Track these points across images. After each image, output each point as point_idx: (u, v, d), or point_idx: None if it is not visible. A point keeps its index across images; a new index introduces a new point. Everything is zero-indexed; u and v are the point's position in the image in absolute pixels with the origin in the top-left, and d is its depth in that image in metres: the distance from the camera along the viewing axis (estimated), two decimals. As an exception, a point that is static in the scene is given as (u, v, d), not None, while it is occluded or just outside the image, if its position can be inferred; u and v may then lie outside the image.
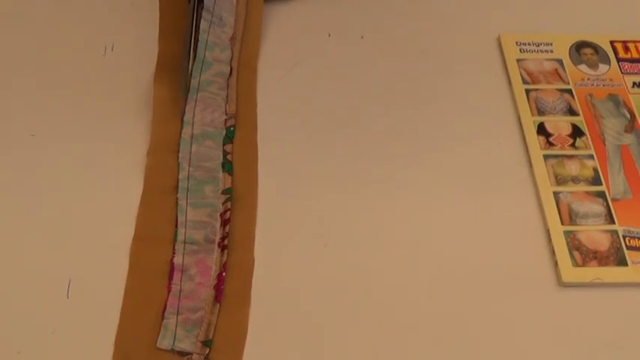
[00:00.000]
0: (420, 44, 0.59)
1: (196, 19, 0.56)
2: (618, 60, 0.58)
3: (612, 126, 0.55)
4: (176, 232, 0.48)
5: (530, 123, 0.54)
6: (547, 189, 0.51)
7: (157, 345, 0.43)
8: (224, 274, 0.46)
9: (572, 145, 0.53)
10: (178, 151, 0.51)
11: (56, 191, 0.50)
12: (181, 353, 0.43)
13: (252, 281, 0.46)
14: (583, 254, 0.48)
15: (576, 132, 0.54)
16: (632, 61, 0.58)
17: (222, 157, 0.51)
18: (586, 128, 0.54)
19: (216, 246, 0.47)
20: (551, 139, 0.54)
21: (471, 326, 0.45)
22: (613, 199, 0.51)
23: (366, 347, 0.44)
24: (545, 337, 0.45)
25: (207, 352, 0.43)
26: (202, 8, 0.56)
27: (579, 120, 0.55)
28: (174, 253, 0.47)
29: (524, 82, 0.57)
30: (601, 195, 0.51)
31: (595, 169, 0.52)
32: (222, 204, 0.49)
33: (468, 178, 0.52)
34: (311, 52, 0.59)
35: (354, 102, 0.56)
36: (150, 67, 0.56)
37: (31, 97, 0.55)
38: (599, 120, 0.55)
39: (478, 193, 0.51)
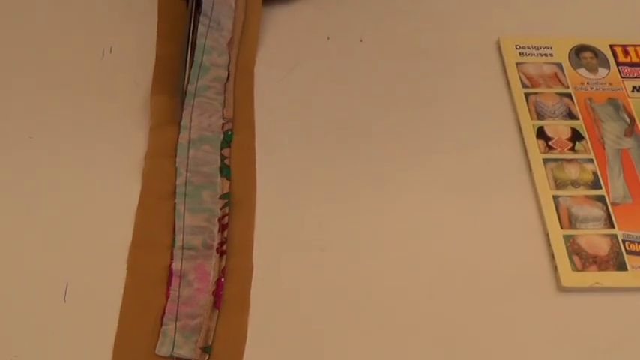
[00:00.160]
0: (419, 47, 0.59)
1: (193, 24, 0.55)
2: (618, 64, 0.58)
3: (612, 130, 0.55)
4: (174, 237, 0.47)
5: (529, 127, 0.54)
6: (546, 193, 0.51)
7: (156, 352, 0.43)
8: (223, 279, 0.46)
9: (572, 149, 0.53)
10: (176, 156, 0.51)
11: (53, 195, 0.49)
12: (180, 360, 0.43)
13: (251, 287, 0.46)
14: (582, 258, 0.48)
15: (576, 136, 0.54)
16: (632, 65, 0.58)
17: (219, 161, 0.51)
18: (585, 132, 0.54)
19: (214, 251, 0.47)
20: (550, 143, 0.54)
21: (471, 331, 0.45)
22: (612, 204, 0.50)
23: (365, 352, 0.44)
24: (544, 342, 0.45)
25: (206, 358, 0.43)
26: (200, 13, 0.56)
27: (579, 124, 0.55)
28: (172, 259, 0.46)
29: (524, 85, 0.57)
30: (600, 199, 0.51)
31: (594, 174, 0.52)
32: (220, 209, 0.49)
33: (467, 181, 0.52)
34: (310, 55, 0.58)
35: (352, 106, 0.56)
36: (148, 70, 0.56)
37: (29, 99, 0.55)
38: (599, 124, 0.55)
39: (477, 197, 0.51)
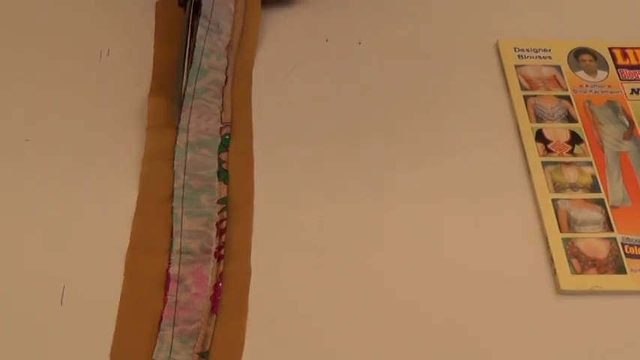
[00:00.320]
0: (417, 50, 0.59)
1: (191, 27, 0.55)
2: (617, 67, 0.58)
3: (611, 133, 0.54)
4: (171, 241, 0.47)
5: (528, 129, 0.54)
6: (545, 196, 0.51)
7: (153, 357, 0.43)
8: (220, 284, 0.46)
9: (571, 152, 0.53)
10: (173, 159, 0.50)
11: (51, 198, 0.49)
12: (177, 365, 0.43)
13: (249, 291, 0.46)
14: (582, 262, 0.48)
15: (575, 139, 0.54)
16: (631, 67, 0.58)
17: (217, 165, 0.51)
18: (584, 135, 0.54)
19: (212, 256, 0.47)
20: (549, 146, 0.53)
21: (471, 334, 0.45)
22: (612, 207, 0.50)
23: (365, 355, 0.44)
24: (544, 345, 0.45)
25: (203, 363, 0.43)
26: (200, 15, 0.56)
27: (578, 127, 0.55)
28: (169, 263, 0.46)
29: (523, 88, 0.57)
30: (600, 202, 0.51)
31: (594, 177, 0.52)
32: (219, 213, 0.48)
33: (466, 184, 0.52)
34: (308, 57, 0.58)
35: (350, 108, 0.56)
36: (146, 72, 0.56)
37: (26, 102, 0.54)
38: (598, 127, 0.55)
39: (476, 200, 0.51)
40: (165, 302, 0.45)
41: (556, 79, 0.57)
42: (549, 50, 0.59)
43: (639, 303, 0.47)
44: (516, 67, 0.58)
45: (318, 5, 0.62)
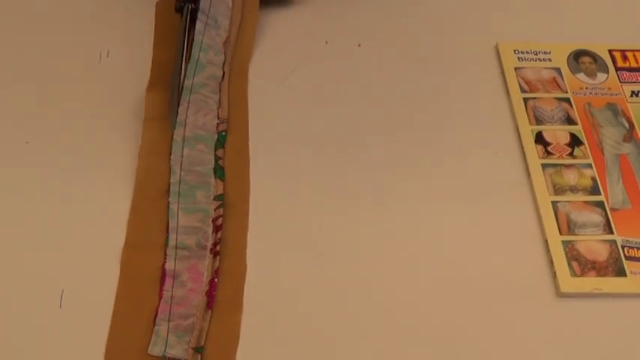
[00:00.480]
0: (417, 52, 0.59)
1: (188, 30, 0.55)
2: (617, 69, 0.58)
3: (611, 135, 0.54)
4: (167, 237, 0.47)
5: (528, 132, 0.54)
6: (545, 198, 0.50)
7: (148, 352, 0.43)
8: (216, 280, 0.46)
9: (571, 155, 0.53)
10: (170, 154, 0.50)
11: (49, 199, 0.49)
12: (172, 360, 0.43)
13: (245, 287, 0.46)
14: (582, 264, 0.47)
15: (575, 141, 0.54)
16: (631, 70, 0.58)
17: (214, 161, 0.51)
18: (584, 137, 0.54)
19: (208, 252, 0.47)
20: (549, 148, 0.53)
21: (471, 337, 0.45)
22: (612, 209, 0.50)
23: (364, 357, 0.44)
24: (543, 348, 0.44)
25: (198, 358, 0.43)
26: (197, 14, 0.56)
27: (577, 129, 0.55)
28: (165, 259, 0.46)
29: (522, 90, 0.57)
30: (600, 205, 0.50)
31: (593, 179, 0.52)
32: (214, 210, 0.48)
33: (466, 187, 0.51)
34: (308, 59, 0.58)
35: (350, 110, 0.55)
36: (145, 74, 0.56)
37: (25, 104, 0.54)
38: (598, 129, 0.55)
39: (476, 202, 0.51)
40: (160, 297, 0.45)
41: (556, 82, 0.57)
42: (549, 52, 0.59)
43: (639, 305, 0.46)
44: (516, 69, 0.58)
45: (318, 7, 0.62)
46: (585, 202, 0.50)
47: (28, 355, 0.43)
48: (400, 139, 0.54)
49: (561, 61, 0.59)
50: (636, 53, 0.59)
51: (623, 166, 0.53)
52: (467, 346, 0.44)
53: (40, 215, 0.48)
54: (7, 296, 0.45)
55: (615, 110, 0.56)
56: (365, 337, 0.44)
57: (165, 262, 0.46)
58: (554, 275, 0.47)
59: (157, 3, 0.61)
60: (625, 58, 0.59)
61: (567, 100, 0.56)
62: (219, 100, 0.54)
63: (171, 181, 0.49)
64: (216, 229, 0.47)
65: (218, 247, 0.47)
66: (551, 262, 0.48)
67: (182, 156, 0.50)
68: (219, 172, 0.50)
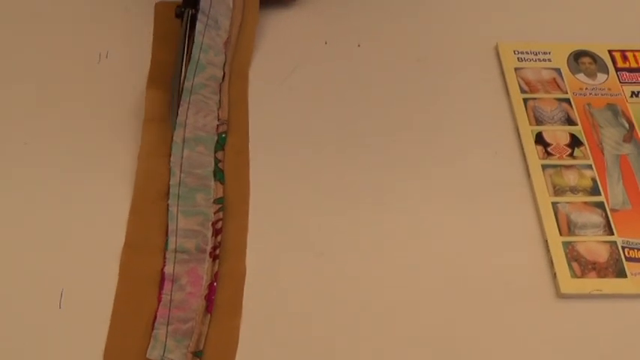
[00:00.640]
0: (417, 53, 0.59)
1: (188, 35, 0.55)
2: (617, 69, 0.58)
3: (611, 135, 0.54)
4: (167, 240, 0.47)
5: (528, 132, 0.54)
6: (545, 199, 0.50)
7: (147, 356, 0.43)
8: (215, 284, 0.46)
9: (571, 155, 0.53)
10: (169, 156, 0.50)
11: (49, 198, 0.49)
12: (171, 364, 0.43)
13: (244, 291, 0.46)
14: (582, 265, 0.47)
15: (575, 142, 0.54)
16: (631, 70, 0.58)
17: (213, 164, 0.51)
18: (584, 138, 0.54)
19: (207, 255, 0.46)
20: (549, 149, 0.53)
21: (471, 338, 0.45)
22: (612, 210, 0.50)
23: (361, 358, 0.44)
24: (544, 349, 0.44)
25: (197, 363, 0.43)
26: (198, 14, 0.56)
27: (577, 129, 0.54)
28: (164, 262, 0.46)
29: (522, 91, 0.56)
30: (600, 205, 0.50)
31: (594, 179, 0.52)
32: (214, 213, 0.48)
33: (466, 188, 0.51)
34: (307, 60, 0.58)
35: (349, 111, 0.55)
36: (144, 75, 0.56)
37: (25, 104, 0.54)
38: (598, 130, 0.55)
39: (476, 203, 0.51)
40: (159, 301, 0.45)
41: (556, 82, 0.57)
42: (549, 53, 0.59)
43: (639, 306, 0.46)
44: (516, 69, 0.58)
45: (317, 7, 0.62)
46: (585, 202, 0.50)
47: (27, 355, 0.43)
48: (400, 140, 0.54)
49: (561, 62, 0.58)
50: (636, 53, 0.59)
51: (623, 166, 0.53)
52: (467, 348, 0.44)
53: (39, 216, 0.48)
54: (6, 297, 0.45)
55: (615, 111, 0.56)
56: (365, 338, 0.44)
57: (164, 265, 0.46)
58: (554, 276, 0.47)
59: (156, 4, 0.60)
60: (625, 58, 0.59)
61: (567, 101, 0.56)
62: (220, 101, 0.54)
63: (170, 183, 0.49)
64: (216, 232, 0.47)
65: (217, 251, 0.47)
66: (551, 263, 0.48)
67: (182, 157, 0.50)
68: (218, 174, 0.50)
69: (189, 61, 0.54)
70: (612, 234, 0.49)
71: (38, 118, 0.53)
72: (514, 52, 0.59)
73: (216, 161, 0.51)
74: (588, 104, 0.56)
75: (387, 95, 0.56)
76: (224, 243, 0.47)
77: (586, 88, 0.57)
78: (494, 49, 0.60)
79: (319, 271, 0.47)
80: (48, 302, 0.44)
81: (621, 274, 0.47)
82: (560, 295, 0.46)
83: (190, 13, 0.56)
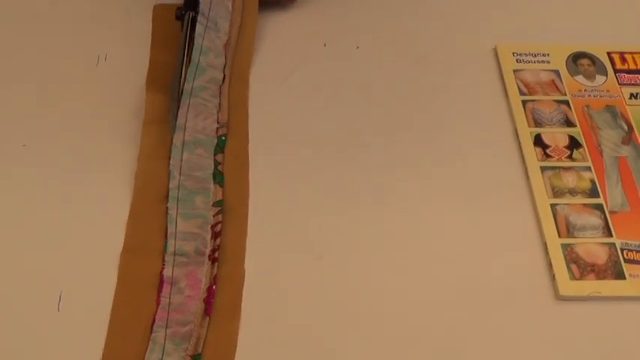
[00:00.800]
0: (415, 54, 0.59)
1: (189, 37, 0.55)
2: (615, 71, 0.58)
3: (610, 137, 0.54)
4: (166, 243, 0.47)
5: (526, 134, 0.54)
6: (544, 201, 0.50)
7: (145, 359, 0.42)
8: (214, 287, 0.45)
9: (570, 157, 0.53)
10: (169, 158, 0.50)
11: (48, 201, 0.49)
12: (170, 367, 0.43)
13: (244, 295, 0.46)
14: (580, 267, 0.47)
15: (573, 143, 0.54)
16: (629, 72, 0.58)
17: (213, 167, 0.51)
18: (583, 140, 0.54)
19: (206, 258, 0.46)
20: (548, 151, 0.53)
21: (469, 340, 0.45)
22: (611, 212, 0.50)
23: (360, 361, 0.44)
24: (542, 351, 0.44)
25: (196, 366, 0.43)
26: (197, 17, 0.56)
27: (576, 131, 0.54)
28: (163, 265, 0.46)
29: (521, 92, 0.56)
30: (598, 207, 0.50)
31: (592, 181, 0.52)
32: (213, 216, 0.48)
33: (464, 189, 0.51)
34: (306, 61, 0.58)
35: (348, 111, 0.55)
36: (143, 78, 0.56)
37: (23, 107, 0.54)
38: (597, 131, 0.55)
39: (474, 205, 0.51)
40: (158, 304, 0.45)
41: (554, 84, 0.57)
42: (548, 55, 0.59)
43: (638, 308, 0.46)
44: (515, 71, 0.58)
45: (316, 9, 0.62)
46: (584, 204, 0.50)
47: (25, 358, 0.43)
48: (399, 141, 0.54)
49: (560, 64, 0.58)
50: (635, 55, 0.59)
51: (621, 168, 0.53)
52: (465, 349, 0.44)
53: (38, 218, 0.48)
54: (5, 299, 0.45)
55: (614, 112, 0.56)
56: (364, 340, 0.44)
57: (163, 268, 0.46)
58: (553, 278, 0.47)
59: (154, 6, 0.60)
60: (624, 60, 0.59)
61: (566, 103, 0.56)
62: (219, 104, 0.54)
63: (170, 186, 0.49)
64: (215, 235, 0.47)
65: (216, 254, 0.47)
66: (550, 265, 0.48)
67: (181, 160, 0.50)
68: (218, 177, 0.50)
69: (189, 63, 0.54)
70: (611, 236, 0.49)
71: (37, 119, 0.53)
72: (513, 53, 0.59)
73: (216, 164, 0.51)
74: (587, 106, 0.56)
75: (387, 96, 0.56)
76: (223, 246, 0.47)
77: (585, 90, 0.57)
78: (493, 50, 0.60)
79: (319, 273, 0.47)
80: (46, 305, 0.44)
81: (620, 275, 0.47)
82: (559, 297, 0.46)
83: (190, 15, 0.56)
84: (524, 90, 0.57)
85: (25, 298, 0.45)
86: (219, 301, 0.45)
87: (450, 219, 0.50)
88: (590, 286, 0.47)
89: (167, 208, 0.48)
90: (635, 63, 0.59)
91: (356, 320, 0.45)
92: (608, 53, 0.59)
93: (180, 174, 0.50)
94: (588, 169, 0.52)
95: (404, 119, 0.55)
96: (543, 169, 0.52)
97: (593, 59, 0.59)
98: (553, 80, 0.57)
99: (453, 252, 0.48)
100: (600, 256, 0.48)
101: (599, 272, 0.47)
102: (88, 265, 0.46)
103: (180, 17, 0.56)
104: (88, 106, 0.55)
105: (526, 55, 0.59)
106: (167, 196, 0.49)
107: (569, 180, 0.52)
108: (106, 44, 0.58)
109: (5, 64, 0.57)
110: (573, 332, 0.45)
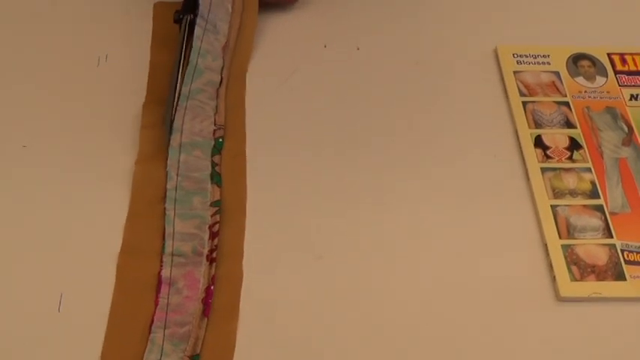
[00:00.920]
0: (416, 56, 0.59)
1: (187, 40, 0.55)
2: (615, 72, 0.58)
3: (610, 139, 0.54)
4: (164, 243, 0.47)
5: (527, 135, 0.54)
6: (544, 202, 0.50)
7: None
8: (212, 287, 0.45)
9: (570, 158, 0.53)
10: (167, 160, 0.50)
11: (47, 202, 0.49)
12: (168, 368, 0.43)
13: (242, 295, 0.45)
14: (581, 269, 0.47)
15: (574, 145, 0.54)
16: (630, 73, 0.58)
17: (210, 168, 0.51)
18: (583, 141, 0.54)
19: (204, 259, 0.46)
20: (548, 152, 0.53)
21: (470, 341, 0.44)
22: (611, 213, 0.50)
23: (358, 363, 0.44)
24: (543, 352, 0.44)
25: (194, 367, 0.43)
26: (196, 19, 0.56)
27: (577, 133, 0.54)
28: (161, 266, 0.46)
29: (521, 94, 0.56)
30: (599, 209, 0.50)
31: (593, 183, 0.51)
32: (211, 216, 0.48)
33: (465, 191, 0.51)
34: (307, 62, 0.58)
35: (348, 113, 0.55)
36: (143, 78, 0.56)
37: (24, 108, 0.54)
38: (597, 133, 0.54)
39: (475, 206, 0.51)
40: (156, 305, 0.45)
41: (555, 85, 0.57)
42: (548, 56, 0.59)
43: (639, 309, 0.46)
44: (515, 72, 0.58)
45: (316, 10, 0.62)
46: (584, 205, 0.50)
47: (25, 357, 0.43)
48: (399, 143, 0.54)
49: (560, 65, 0.58)
50: (635, 57, 0.59)
51: (622, 170, 0.52)
52: (466, 350, 0.44)
53: (37, 219, 0.48)
54: (5, 300, 0.45)
55: (614, 114, 0.56)
56: (364, 341, 0.44)
57: (161, 268, 0.46)
58: (553, 279, 0.47)
59: (154, 4, 0.60)
60: (624, 61, 0.59)
61: (566, 104, 0.56)
62: (217, 107, 0.54)
63: (167, 186, 0.49)
64: (213, 235, 0.47)
65: (214, 254, 0.47)
66: (550, 267, 0.47)
67: (179, 162, 0.50)
68: (215, 178, 0.50)
69: (186, 66, 0.54)
70: (611, 237, 0.49)
71: (37, 120, 0.53)
72: (513, 55, 0.59)
73: (213, 164, 0.51)
74: (587, 107, 0.56)
75: (387, 97, 0.56)
76: (221, 246, 0.47)
77: (585, 91, 0.57)
78: (494, 52, 0.60)
79: (319, 273, 0.47)
80: (47, 305, 0.44)
81: (620, 277, 0.47)
82: (560, 299, 0.46)
83: (189, 18, 0.56)
84: (525, 91, 0.57)
85: (25, 299, 0.45)
86: (218, 302, 0.45)
87: (450, 220, 0.50)
88: (591, 287, 0.46)
89: (165, 208, 0.48)
90: (636, 64, 0.59)
91: (356, 320, 0.45)
92: (609, 54, 0.59)
93: (177, 175, 0.50)
94: (589, 170, 0.52)
95: (404, 120, 0.55)
96: (544, 170, 0.52)
97: (593, 60, 0.59)
98: (553, 81, 0.57)
99: (453, 253, 0.48)
100: (601, 257, 0.48)
101: (599, 273, 0.47)
102: (87, 266, 0.46)
103: (178, 21, 0.56)
104: (88, 106, 0.55)
105: (526, 56, 0.59)
106: (165, 197, 0.49)
107: (570, 181, 0.52)
108: (106, 44, 0.58)
109: (5, 64, 0.57)
110: (574, 333, 0.45)
